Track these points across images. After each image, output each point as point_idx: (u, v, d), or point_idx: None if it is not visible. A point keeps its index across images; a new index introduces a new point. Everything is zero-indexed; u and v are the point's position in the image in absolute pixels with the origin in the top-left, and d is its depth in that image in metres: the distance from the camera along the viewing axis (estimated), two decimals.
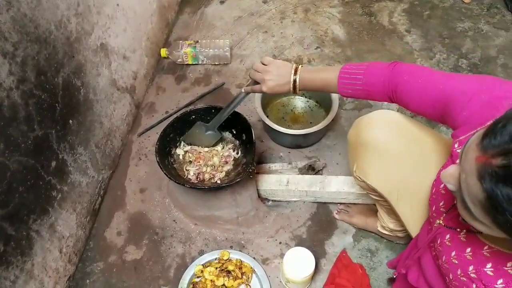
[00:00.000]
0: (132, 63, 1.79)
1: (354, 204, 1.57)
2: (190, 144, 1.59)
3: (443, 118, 0.99)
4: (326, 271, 1.44)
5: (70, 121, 1.36)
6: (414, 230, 1.18)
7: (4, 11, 1.02)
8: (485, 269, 0.81)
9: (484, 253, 0.83)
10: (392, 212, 1.30)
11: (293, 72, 1.22)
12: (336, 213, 1.57)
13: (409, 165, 1.13)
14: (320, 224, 1.55)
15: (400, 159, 1.12)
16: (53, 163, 1.29)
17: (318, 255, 1.47)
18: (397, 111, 1.31)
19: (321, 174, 1.65)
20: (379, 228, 1.44)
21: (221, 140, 1.60)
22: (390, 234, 1.43)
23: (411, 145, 1.13)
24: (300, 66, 1.23)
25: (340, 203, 1.58)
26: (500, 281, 0.78)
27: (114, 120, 1.67)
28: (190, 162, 1.55)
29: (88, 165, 1.50)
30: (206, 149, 1.58)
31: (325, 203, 1.59)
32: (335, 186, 1.53)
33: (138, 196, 1.65)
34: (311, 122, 1.78)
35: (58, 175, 1.32)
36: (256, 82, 1.29)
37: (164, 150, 1.50)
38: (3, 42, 1.02)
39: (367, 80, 1.10)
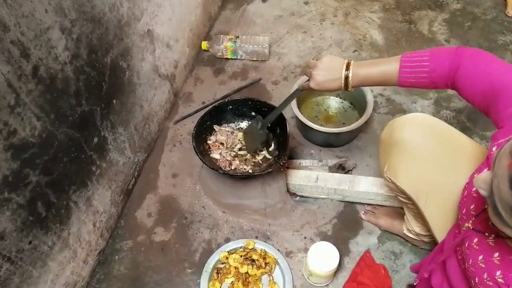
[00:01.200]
0: (174, 52, 1.85)
1: (381, 206, 1.58)
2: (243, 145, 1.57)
3: (488, 109, 0.98)
4: (349, 269, 1.45)
5: (114, 101, 1.42)
6: (440, 235, 1.19)
7: None
8: None
9: None
10: (419, 216, 1.31)
11: (344, 67, 1.13)
12: (363, 214, 1.58)
13: (440, 168, 1.13)
14: (346, 222, 1.57)
15: (430, 162, 1.13)
16: (95, 139, 1.35)
17: (342, 253, 1.48)
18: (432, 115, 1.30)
19: (351, 174, 1.66)
20: (405, 231, 1.45)
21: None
22: (416, 238, 1.43)
23: (442, 148, 1.13)
24: (351, 61, 1.15)
25: (368, 204, 1.59)
26: None
27: (153, 105, 1.73)
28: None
29: (126, 146, 1.56)
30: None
31: (352, 202, 1.61)
32: (364, 186, 1.54)
33: (170, 181, 1.70)
34: (344, 123, 1.80)
35: (99, 151, 1.38)
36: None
37: (200, 137, 1.55)
38: (63, 18, 1.09)
39: (434, 66, 1.04)
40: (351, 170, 1.68)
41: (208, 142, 1.59)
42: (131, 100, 1.53)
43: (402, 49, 2.13)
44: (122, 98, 1.47)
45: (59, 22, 1.07)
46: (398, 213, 1.52)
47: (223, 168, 1.53)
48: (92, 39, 1.23)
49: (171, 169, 1.73)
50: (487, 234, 0.90)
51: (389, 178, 1.21)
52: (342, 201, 1.61)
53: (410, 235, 1.44)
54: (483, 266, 0.89)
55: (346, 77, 1.13)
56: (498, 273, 0.85)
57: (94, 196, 1.40)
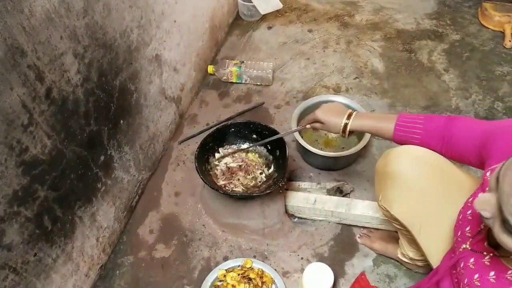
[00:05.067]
0: (181, 75, 1.92)
1: (377, 229, 1.62)
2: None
3: (482, 159, 1.04)
4: None
5: (121, 121, 1.49)
6: (434, 261, 1.20)
7: (81, 18, 1.16)
8: None
9: (508, 277, 0.86)
10: (413, 241, 1.34)
11: (346, 115, 1.27)
12: (359, 237, 1.61)
13: (434, 200, 1.17)
14: (342, 245, 1.60)
15: (424, 194, 1.17)
16: (102, 157, 1.41)
17: (338, 274, 1.51)
18: None
19: (348, 198, 1.70)
20: (399, 255, 1.48)
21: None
22: (410, 262, 1.46)
23: (436, 180, 1.17)
24: (354, 112, 1.29)
25: (364, 227, 1.63)
26: None
27: (159, 126, 1.79)
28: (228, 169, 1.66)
29: (131, 164, 1.62)
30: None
31: (349, 225, 1.64)
32: (361, 210, 1.58)
33: (172, 199, 1.75)
34: (343, 147, 1.85)
35: (105, 169, 1.44)
36: None
37: (203, 158, 1.61)
38: (76, 44, 1.16)
39: (426, 132, 1.16)
40: (349, 193, 1.73)
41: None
42: (137, 120, 1.60)
43: (402, 77, 2.19)
44: (129, 118, 1.54)
45: (72, 47, 1.15)
46: (393, 237, 1.55)
47: (222, 187, 1.59)
48: (102, 64, 1.31)
49: (174, 187, 1.79)
50: (484, 253, 0.94)
51: (384, 207, 1.25)
52: (339, 224, 1.65)
53: (404, 259, 1.47)
54: (478, 284, 0.92)
55: (345, 125, 1.27)
56: None
57: (98, 212, 1.45)
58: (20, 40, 0.96)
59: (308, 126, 1.40)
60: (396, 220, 1.25)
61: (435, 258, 1.20)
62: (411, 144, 1.21)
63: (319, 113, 1.32)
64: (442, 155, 1.17)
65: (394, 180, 1.20)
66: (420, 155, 1.20)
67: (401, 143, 1.23)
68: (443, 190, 1.17)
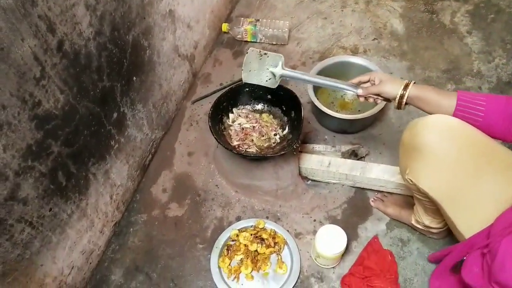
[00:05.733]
0: (195, 33, 1.87)
1: (391, 194, 1.60)
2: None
3: None
4: (356, 253, 1.48)
5: (134, 78, 1.46)
6: (468, 232, 1.14)
7: None
8: None
9: None
10: (430, 210, 1.31)
11: (403, 86, 1.18)
12: (372, 201, 1.60)
13: (466, 172, 1.10)
14: (355, 208, 1.59)
15: (456, 167, 1.10)
16: (115, 115, 1.39)
17: (350, 237, 1.50)
18: None
19: (363, 161, 1.68)
20: (413, 222, 1.45)
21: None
22: (424, 228, 1.44)
23: (468, 152, 1.10)
24: (412, 82, 1.19)
25: (378, 191, 1.61)
26: None
27: (172, 85, 1.76)
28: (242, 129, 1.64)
29: (144, 123, 1.60)
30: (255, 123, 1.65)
31: (363, 189, 1.62)
32: (376, 173, 1.56)
33: (185, 159, 1.75)
34: (359, 110, 1.81)
35: (118, 126, 1.43)
36: None
37: (216, 117, 1.58)
38: None
39: (489, 113, 1.08)
40: (364, 157, 1.70)
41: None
42: (150, 78, 1.57)
43: (422, 39, 2.12)
44: (142, 76, 1.51)
45: None
46: (408, 202, 1.53)
47: (236, 147, 1.57)
48: (115, 17, 1.27)
49: (187, 147, 1.78)
50: None
51: (411, 180, 1.19)
52: (353, 187, 1.63)
53: (418, 225, 1.44)
54: None
55: (402, 96, 1.19)
56: None
57: (112, 170, 1.45)
58: None
59: (359, 91, 1.28)
60: (424, 193, 1.19)
61: (468, 229, 1.14)
62: (471, 125, 1.12)
63: (379, 72, 1.26)
64: (504, 138, 1.10)
65: (422, 153, 1.13)
66: (450, 125, 1.12)
67: None
68: (477, 162, 1.10)
